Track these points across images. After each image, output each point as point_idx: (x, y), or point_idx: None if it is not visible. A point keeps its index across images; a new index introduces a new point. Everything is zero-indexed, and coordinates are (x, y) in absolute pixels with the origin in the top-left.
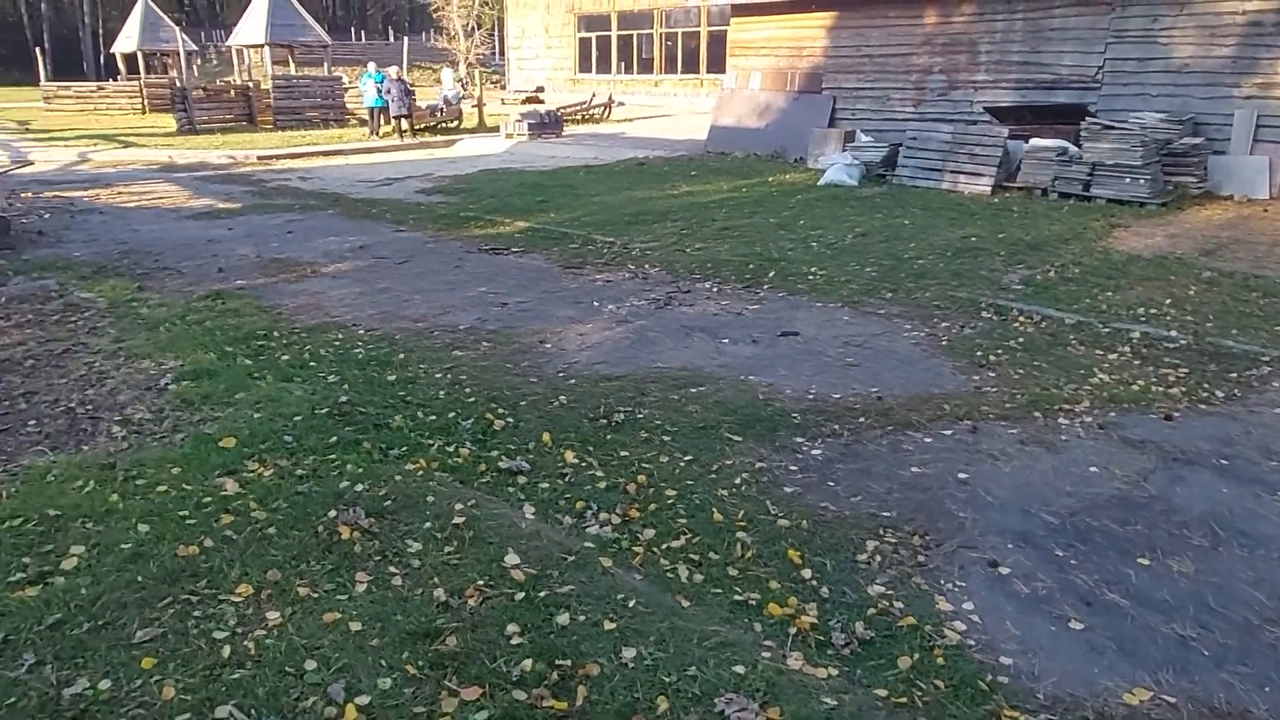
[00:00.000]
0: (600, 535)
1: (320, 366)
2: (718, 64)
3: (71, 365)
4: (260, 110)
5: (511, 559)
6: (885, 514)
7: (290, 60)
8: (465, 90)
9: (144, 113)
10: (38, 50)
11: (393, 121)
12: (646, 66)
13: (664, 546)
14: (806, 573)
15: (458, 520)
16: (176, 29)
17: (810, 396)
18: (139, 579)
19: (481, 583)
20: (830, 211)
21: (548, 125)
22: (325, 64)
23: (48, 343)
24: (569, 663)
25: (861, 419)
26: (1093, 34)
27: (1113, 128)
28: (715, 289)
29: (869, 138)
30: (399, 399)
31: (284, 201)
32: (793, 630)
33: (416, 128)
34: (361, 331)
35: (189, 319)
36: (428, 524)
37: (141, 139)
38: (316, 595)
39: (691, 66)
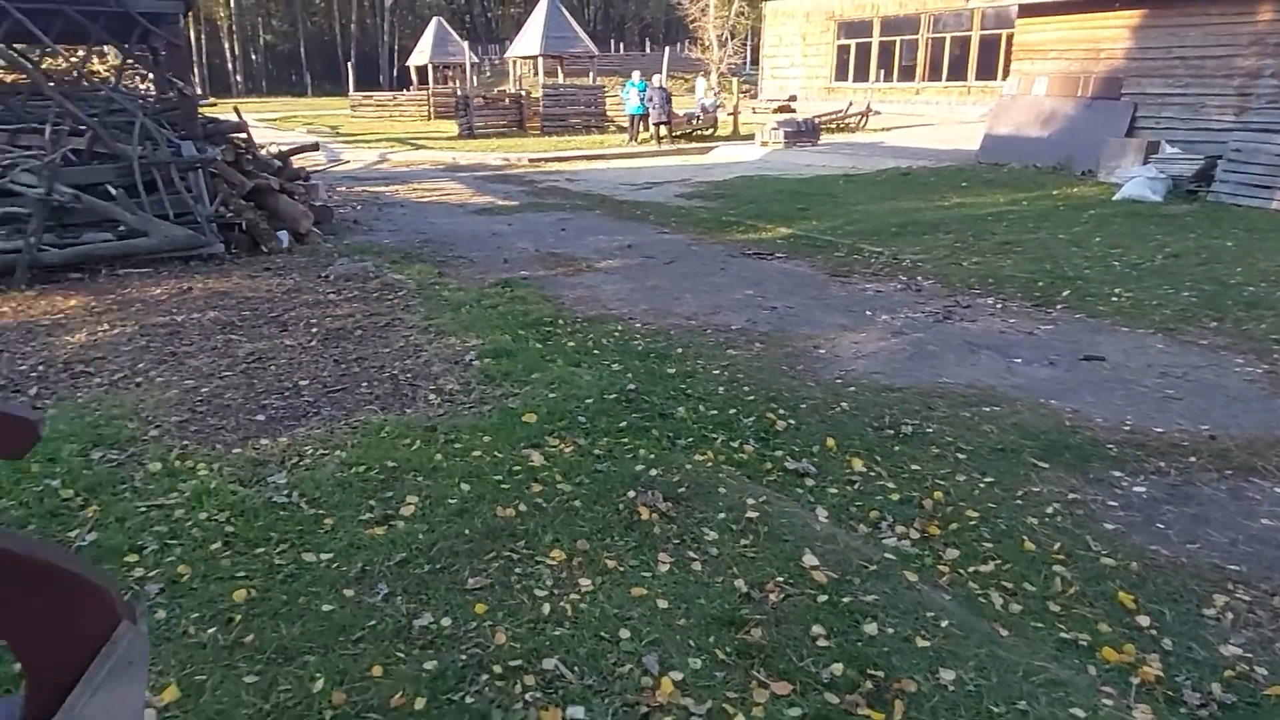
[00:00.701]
0: (899, 548)
1: (603, 355)
2: (988, 70)
3: (392, 337)
4: (529, 116)
5: (810, 560)
6: (1232, 567)
7: (559, 70)
8: (719, 98)
9: (429, 119)
10: (349, 65)
11: (652, 128)
12: (907, 74)
13: (971, 569)
14: (1143, 619)
15: (751, 514)
16: (464, 44)
17: (1126, 428)
18: (466, 532)
19: (781, 579)
20: (1131, 229)
21: (804, 133)
22: (591, 74)
23: (371, 316)
24: (882, 674)
25: (1192, 458)
26: None
27: None
28: (999, 305)
29: (1175, 149)
30: (680, 391)
31: (554, 201)
32: (1135, 680)
33: (674, 134)
34: (638, 325)
35: (484, 303)
36: (721, 515)
37: (429, 142)
38: (623, 569)
39: (958, 73)
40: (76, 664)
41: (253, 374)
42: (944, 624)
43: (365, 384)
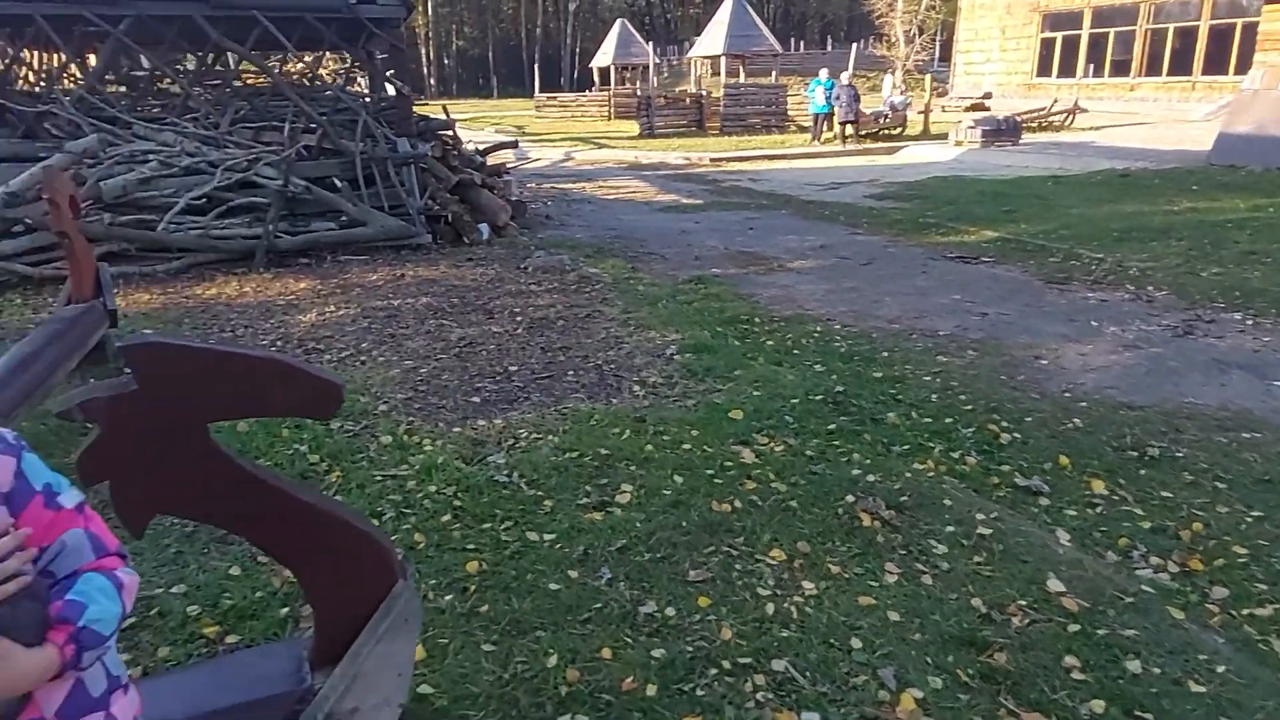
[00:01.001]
0: (1156, 580)
1: (804, 355)
2: (1218, 64)
3: (593, 328)
4: (708, 116)
5: (1055, 585)
6: None
7: (740, 70)
8: (907, 96)
9: (609, 119)
10: (535, 68)
11: (836, 127)
12: (1120, 69)
13: (1245, 612)
14: None
15: (982, 530)
16: (648, 45)
17: None
18: (683, 524)
19: (1024, 602)
20: None
21: (1003, 131)
22: (773, 73)
23: (571, 307)
24: (1150, 717)
25: None
26: None
27: None
28: (1249, 322)
29: None
30: (889, 396)
31: (739, 200)
32: None
33: (860, 134)
34: (837, 326)
35: (679, 299)
36: (950, 528)
37: (611, 141)
38: (847, 576)
39: (1181, 68)
40: (360, 615)
41: (465, 358)
42: (1220, 669)
43: (571, 372)
